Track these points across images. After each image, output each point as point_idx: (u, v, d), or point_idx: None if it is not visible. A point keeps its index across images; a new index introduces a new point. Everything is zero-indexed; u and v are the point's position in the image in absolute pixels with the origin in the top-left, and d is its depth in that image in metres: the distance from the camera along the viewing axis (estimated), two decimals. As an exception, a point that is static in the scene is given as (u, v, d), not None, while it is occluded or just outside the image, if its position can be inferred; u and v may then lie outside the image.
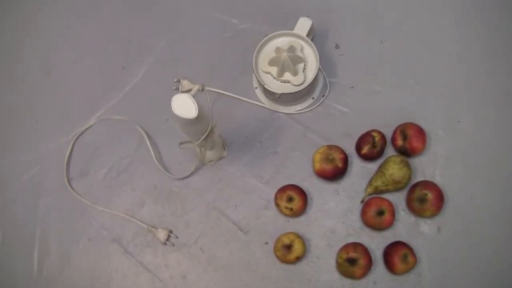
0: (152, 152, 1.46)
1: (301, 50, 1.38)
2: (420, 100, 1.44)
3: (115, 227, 1.44)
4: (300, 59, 1.36)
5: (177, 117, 1.08)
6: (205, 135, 1.18)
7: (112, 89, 1.56)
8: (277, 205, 1.36)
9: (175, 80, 1.50)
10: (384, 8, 1.54)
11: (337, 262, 1.31)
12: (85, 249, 1.43)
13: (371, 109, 1.44)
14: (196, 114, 1.08)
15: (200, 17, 1.61)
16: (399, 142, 1.37)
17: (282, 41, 1.39)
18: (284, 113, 1.47)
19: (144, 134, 1.48)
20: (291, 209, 1.34)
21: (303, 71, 1.37)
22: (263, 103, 1.47)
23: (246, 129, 1.47)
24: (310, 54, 1.39)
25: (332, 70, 1.49)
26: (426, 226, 1.33)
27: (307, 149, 1.42)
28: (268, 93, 1.38)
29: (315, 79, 1.38)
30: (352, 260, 1.28)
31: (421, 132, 1.36)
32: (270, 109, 1.47)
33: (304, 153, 1.42)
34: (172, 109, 1.07)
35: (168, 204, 1.44)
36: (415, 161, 1.38)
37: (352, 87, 1.47)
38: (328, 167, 1.34)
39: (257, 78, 1.37)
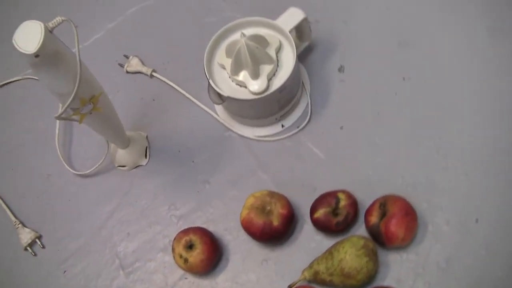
0: (57, 131, 1.11)
1: (278, 50, 0.97)
2: (430, 173, 0.96)
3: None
4: (268, 58, 0.94)
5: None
6: (70, 99, 0.78)
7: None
8: (173, 249, 0.93)
9: (124, 55, 1.16)
10: (415, 36, 1.09)
11: None
12: None
13: (357, 165, 0.99)
14: (36, 50, 0.69)
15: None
16: (373, 218, 0.89)
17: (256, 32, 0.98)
18: (239, 134, 1.05)
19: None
20: (186, 260, 0.91)
21: (269, 78, 0.95)
22: (217, 114, 1.07)
23: (184, 141, 1.08)
24: (289, 59, 0.97)
25: (324, 97, 1.06)
26: None
27: (248, 191, 0.97)
28: (212, 92, 0.97)
29: (293, 100, 0.97)
30: None
31: (408, 213, 0.88)
32: (223, 124, 1.06)
33: (243, 194, 0.98)
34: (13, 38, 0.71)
35: (54, 203, 1.08)
36: (392, 257, 0.90)
37: (341, 128, 1.02)
38: (259, 221, 0.90)
39: (206, 73, 0.96)
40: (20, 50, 0.70)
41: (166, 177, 1.05)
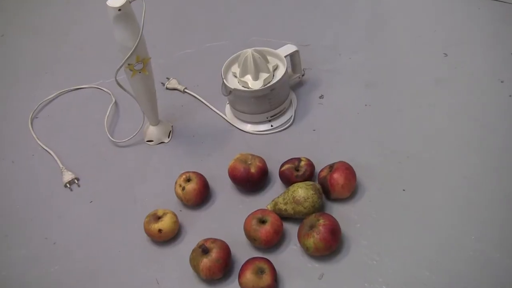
0: (107, 112, 1.54)
1: (275, 68, 1.38)
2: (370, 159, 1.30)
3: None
4: (266, 69, 1.35)
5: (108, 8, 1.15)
6: (132, 50, 1.18)
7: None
8: (175, 183, 1.26)
9: (167, 77, 1.60)
10: (379, 80, 1.51)
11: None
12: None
13: (319, 153, 1.32)
14: (120, 6, 1.12)
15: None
16: (323, 173, 1.22)
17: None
18: (239, 129, 1.43)
19: (113, 97, 1.59)
20: (184, 188, 1.23)
21: (265, 83, 1.34)
22: (225, 115, 1.47)
23: (198, 131, 1.46)
24: (281, 74, 1.36)
25: (305, 112, 1.45)
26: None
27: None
28: (224, 87, 1.36)
29: (281, 105, 1.40)
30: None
31: (349, 169, 1.20)
32: (229, 122, 1.45)
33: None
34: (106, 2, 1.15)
35: (94, 159, 1.45)
36: (334, 208, 1.21)
37: (314, 130, 1.40)
38: (241, 167, 1.23)
39: (222, 74, 1.37)
40: (110, 5, 1.13)
41: (180, 151, 1.41)
